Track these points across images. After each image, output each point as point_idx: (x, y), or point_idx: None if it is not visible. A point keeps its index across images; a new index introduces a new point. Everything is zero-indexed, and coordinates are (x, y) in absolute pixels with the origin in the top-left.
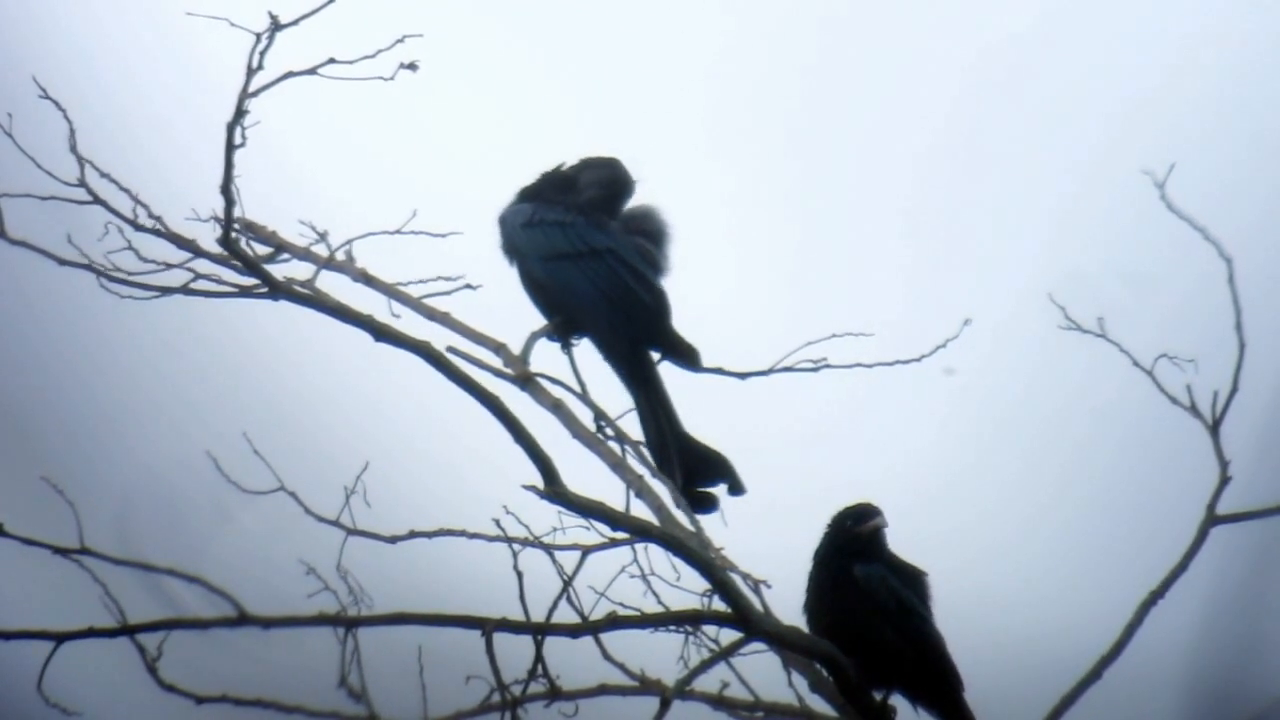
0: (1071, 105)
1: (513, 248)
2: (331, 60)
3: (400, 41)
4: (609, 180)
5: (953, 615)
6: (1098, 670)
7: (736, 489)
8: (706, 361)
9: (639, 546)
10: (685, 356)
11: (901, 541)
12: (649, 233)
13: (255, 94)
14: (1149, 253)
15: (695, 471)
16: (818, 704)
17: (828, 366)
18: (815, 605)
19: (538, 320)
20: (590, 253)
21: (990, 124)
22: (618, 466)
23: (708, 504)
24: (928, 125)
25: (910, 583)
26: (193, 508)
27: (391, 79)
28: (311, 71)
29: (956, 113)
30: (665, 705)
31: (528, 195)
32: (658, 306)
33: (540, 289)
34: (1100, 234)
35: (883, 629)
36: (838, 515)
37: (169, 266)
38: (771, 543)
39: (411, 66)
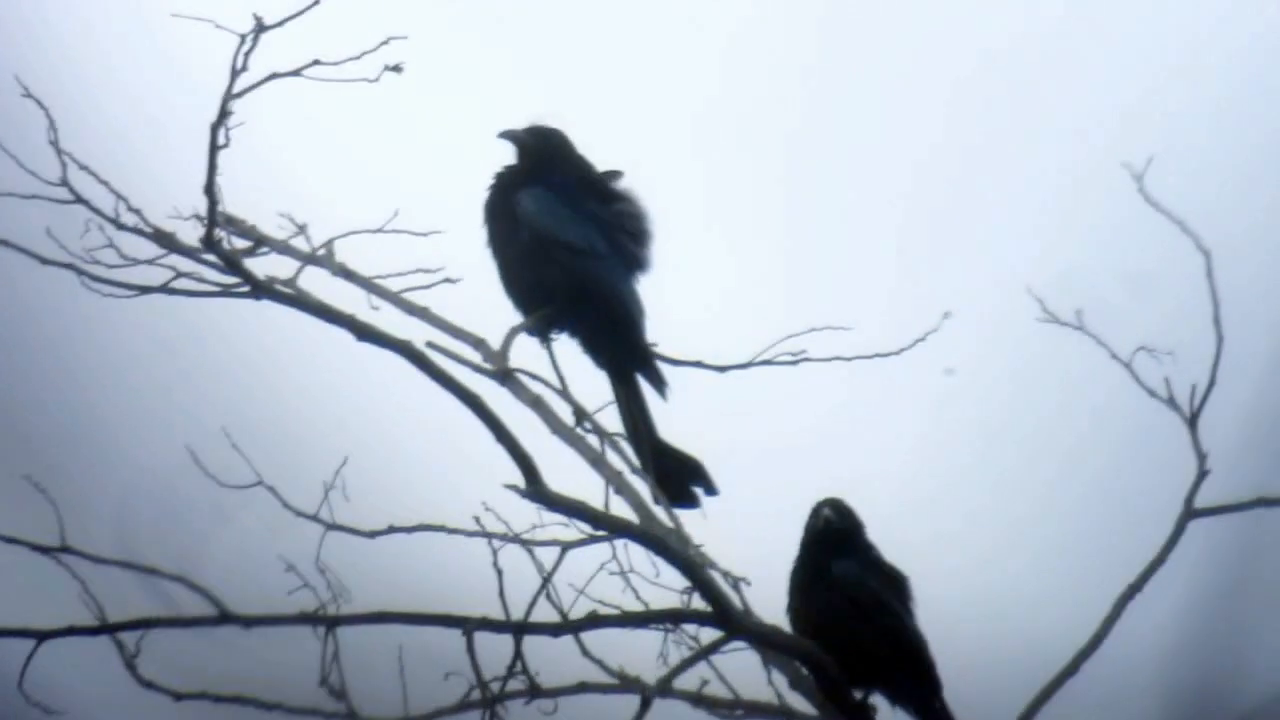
0: (1054, 103)
1: (538, 231)
2: (316, 62)
3: (385, 44)
4: (642, 232)
5: (931, 610)
6: (1075, 664)
7: (710, 490)
8: (686, 355)
9: (618, 544)
10: (655, 380)
11: (881, 536)
12: (634, 233)
13: (239, 95)
14: (1128, 247)
15: (668, 474)
16: (798, 702)
17: (806, 359)
18: (796, 603)
19: (516, 316)
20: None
21: (974, 121)
22: (597, 463)
23: (689, 500)
24: (914, 123)
25: (890, 582)
26: (173, 505)
27: (376, 80)
28: (296, 73)
29: (942, 110)
30: (646, 704)
31: (556, 187)
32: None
33: (542, 275)
34: (1080, 229)
35: (861, 627)
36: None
37: (150, 263)
38: (751, 541)
39: (396, 69)
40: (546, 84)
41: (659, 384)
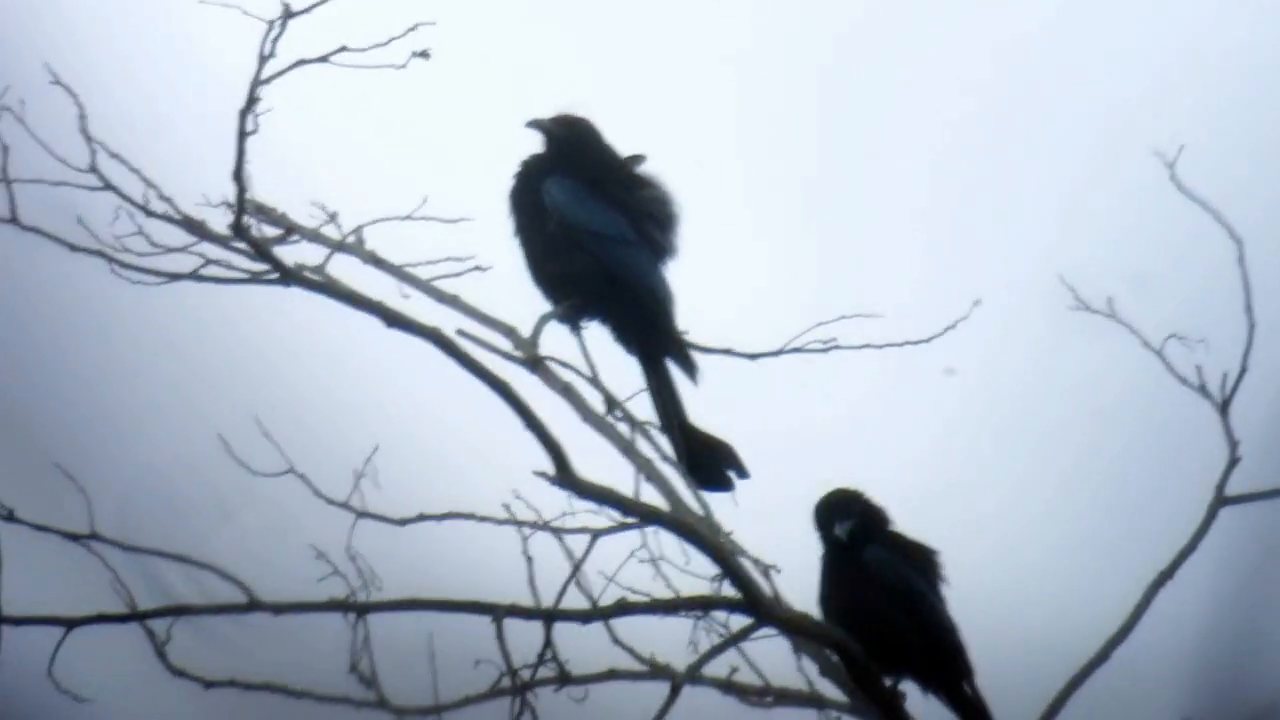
0: (1084, 90)
1: (565, 220)
2: (344, 48)
3: (413, 29)
4: (669, 218)
5: (962, 596)
6: (1105, 652)
7: (741, 474)
8: (716, 342)
9: (648, 531)
10: (687, 366)
11: (910, 523)
12: (661, 219)
13: (267, 81)
14: (1159, 235)
15: (698, 460)
16: (828, 689)
17: (837, 347)
18: (827, 590)
19: (546, 304)
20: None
21: (1003, 108)
22: (627, 450)
23: (721, 485)
24: (944, 109)
25: (921, 565)
26: (203, 493)
27: (403, 67)
28: (323, 60)
29: (973, 96)
30: (675, 690)
31: (583, 176)
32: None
33: (571, 264)
34: (1111, 216)
35: (892, 613)
36: (821, 508)
37: (180, 250)
38: (781, 528)
39: (424, 55)
40: (575, 69)
41: (690, 369)
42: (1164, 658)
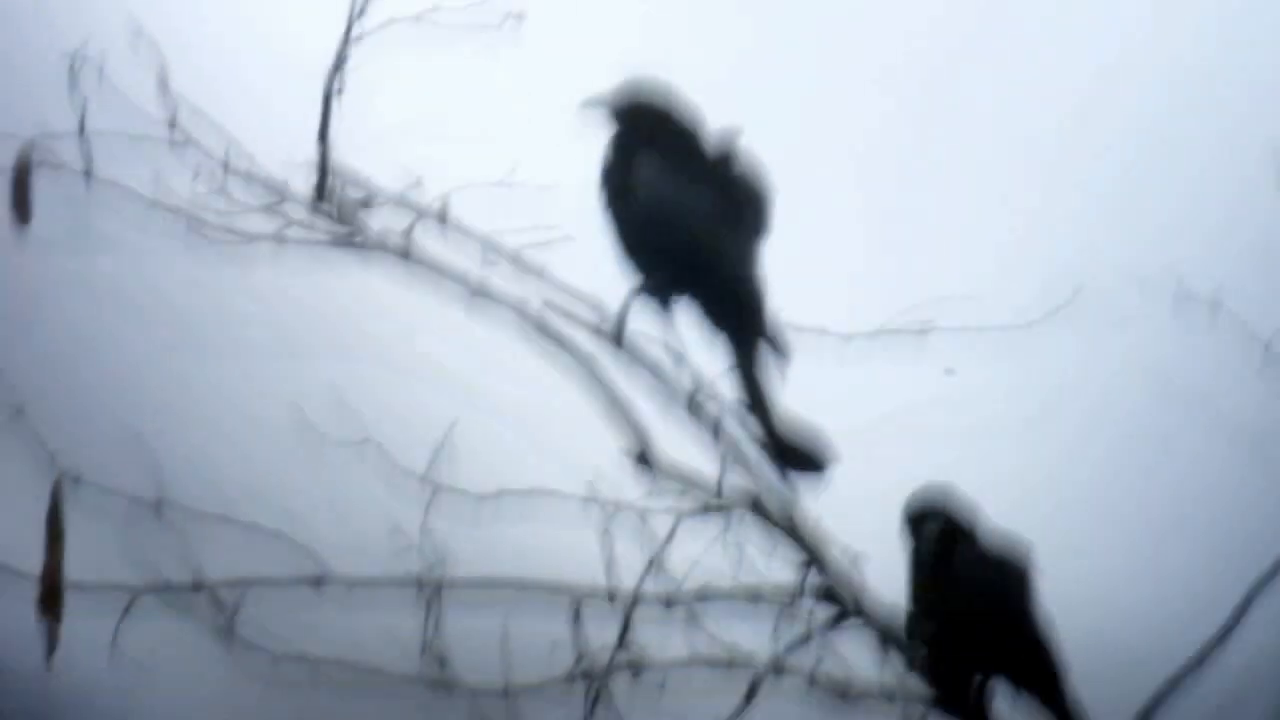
0: (1200, 81)
1: (655, 198)
2: (437, 7)
3: None
4: (759, 195)
5: (1055, 594)
6: (1202, 656)
7: (829, 459)
8: (807, 320)
9: (733, 516)
10: (777, 348)
11: (1005, 515)
12: (752, 196)
13: (357, 40)
14: (1270, 227)
15: (786, 444)
16: (914, 685)
17: (934, 329)
18: (917, 583)
19: (634, 280)
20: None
21: (1119, 94)
22: (714, 432)
23: (810, 468)
24: (1055, 92)
25: (1012, 563)
26: (276, 461)
27: (498, 27)
28: (415, 18)
29: (1086, 83)
30: (757, 681)
31: (674, 151)
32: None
33: (661, 242)
34: (1220, 207)
35: (983, 611)
36: (911, 506)
37: (263, 210)
38: (871, 515)
39: (518, 16)
40: (665, 31)
41: (781, 351)
42: (1263, 663)
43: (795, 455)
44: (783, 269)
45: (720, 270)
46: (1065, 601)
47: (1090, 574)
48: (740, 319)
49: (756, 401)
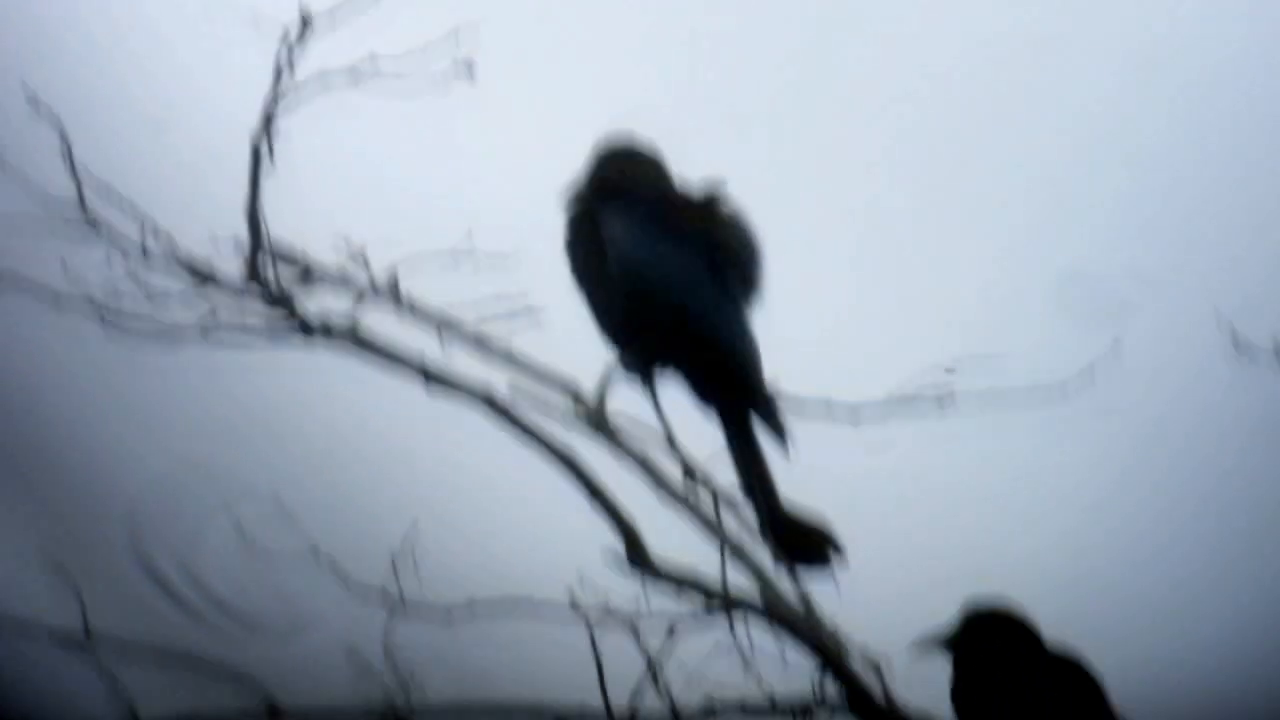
0: (1249, 114)
1: (630, 262)
2: (373, 56)
3: (452, 36)
4: (749, 254)
5: (1123, 678)
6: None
7: (836, 551)
8: (812, 390)
9: (736, 619)
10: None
11: (1054, 614)
12: (741, 258)
13: (286, 96)
14: None
15: (790, 533)
16: None
17: (955, 392)
18: (961, 687)
19: (611, 354)
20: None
21: (1163, 130)
22: (710, 526)
23: (817, 560)
24: (1094, 124)
25: (1070, 678)
26: (214, 582)
27: (445, 78)
28: (350, 70)
29: (1130, 116)
30: None
31: (648, 207)
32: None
33: (639, 312)
34: (1275, 250)
35: None
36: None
37: (186, 295)
38: (893, 612)
39: (466, 65)
40: (634, 80)
41: (778, 429)
42: None
43: (799, 544)
44: (777, 331)
45: (706, 336)
46: (1135, 682)
47: (1151, 664)
48: (731, 390)
49: (754, 483)
